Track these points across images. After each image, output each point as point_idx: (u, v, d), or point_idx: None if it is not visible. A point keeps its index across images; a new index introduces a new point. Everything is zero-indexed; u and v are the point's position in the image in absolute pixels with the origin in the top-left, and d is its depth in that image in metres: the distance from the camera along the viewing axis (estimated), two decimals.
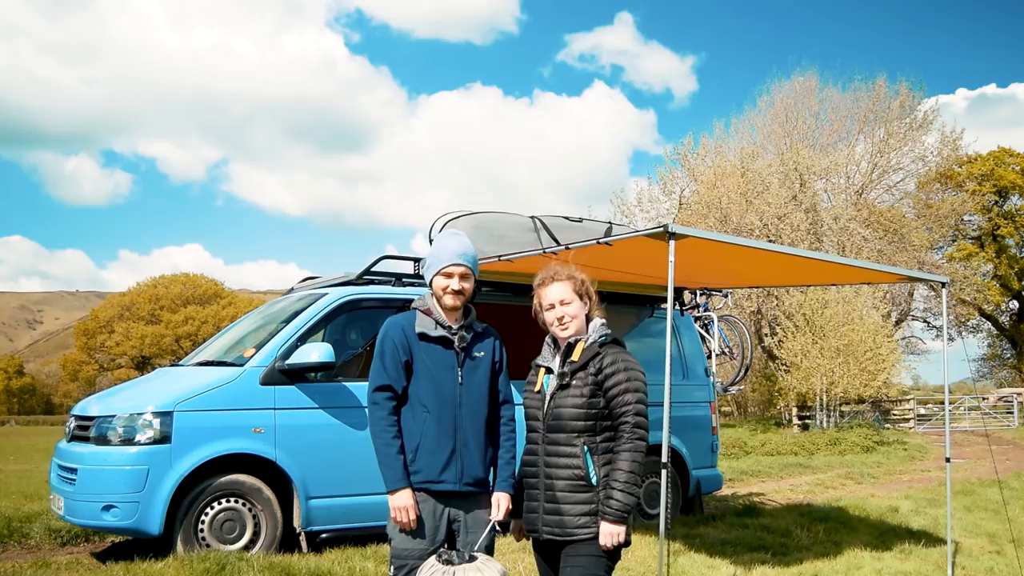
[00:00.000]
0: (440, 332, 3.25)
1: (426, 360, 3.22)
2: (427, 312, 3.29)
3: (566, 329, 3.12)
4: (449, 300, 3.26)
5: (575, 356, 3.08)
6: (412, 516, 3.13)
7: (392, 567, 3.19)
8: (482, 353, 3.31)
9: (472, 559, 2.98)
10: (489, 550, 3.20)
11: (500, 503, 3.26)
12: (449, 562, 2.96)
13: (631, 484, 2.95)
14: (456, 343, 3.26)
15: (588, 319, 3.17)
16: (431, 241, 6.79)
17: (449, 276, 3.26)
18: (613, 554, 3.03)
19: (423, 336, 3.24)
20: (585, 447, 3.01)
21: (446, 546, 3.21)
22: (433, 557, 3.02)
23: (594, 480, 3.00)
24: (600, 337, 3.12)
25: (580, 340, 3.12)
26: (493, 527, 3.24)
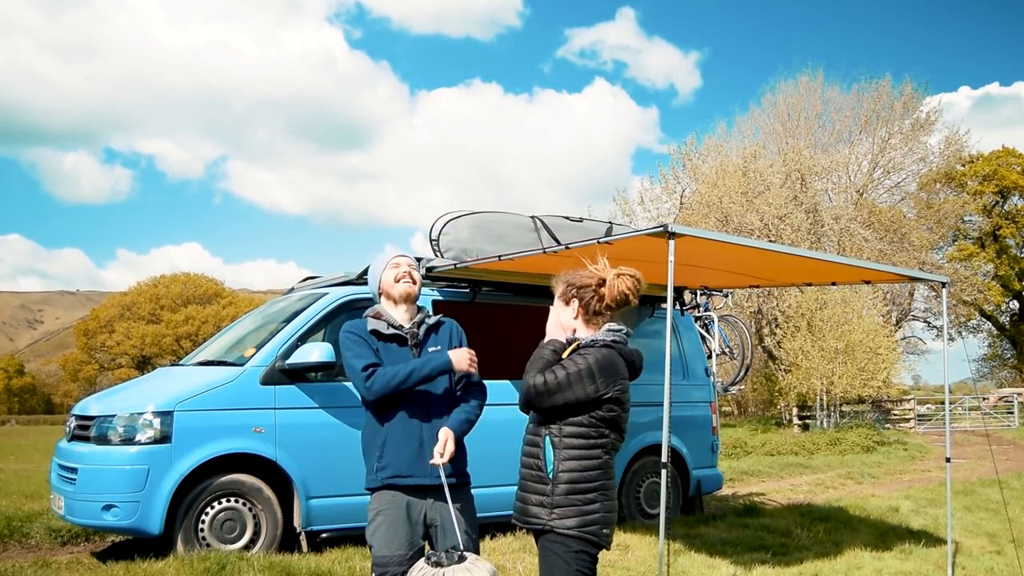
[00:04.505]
0: (392, 331, 3.32)
1: (384, 357, 3.27)
2: (377, 316, 3.36)
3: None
4: (403, 287, 3.35)
5: (564, 355, 3.07)
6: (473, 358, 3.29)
7: (374, 575, 3.18)
8: (438, 347, 3.35)
9: (462, 559, 2.94)
10: (475, 549, 3.17)
11: (448, 439, 3.16)
12: (438, 564, 2.92)
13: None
14: (409, 340, 3.32)
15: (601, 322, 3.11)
16: (431, 240, 6.79)
17: (397, 266, 3.39)
18: (588, 548, 2.94)
19: (376, 333, 3.31)
20: (547, 438, 3.00)
21: (428, 548, 3.19)
22: (422, 560, 2.98)
23: (550, 473, 2.96)
24: (590, 340, 3.05)
25: (576, 341, 3.08)
26: (439, 471, 3.11)
